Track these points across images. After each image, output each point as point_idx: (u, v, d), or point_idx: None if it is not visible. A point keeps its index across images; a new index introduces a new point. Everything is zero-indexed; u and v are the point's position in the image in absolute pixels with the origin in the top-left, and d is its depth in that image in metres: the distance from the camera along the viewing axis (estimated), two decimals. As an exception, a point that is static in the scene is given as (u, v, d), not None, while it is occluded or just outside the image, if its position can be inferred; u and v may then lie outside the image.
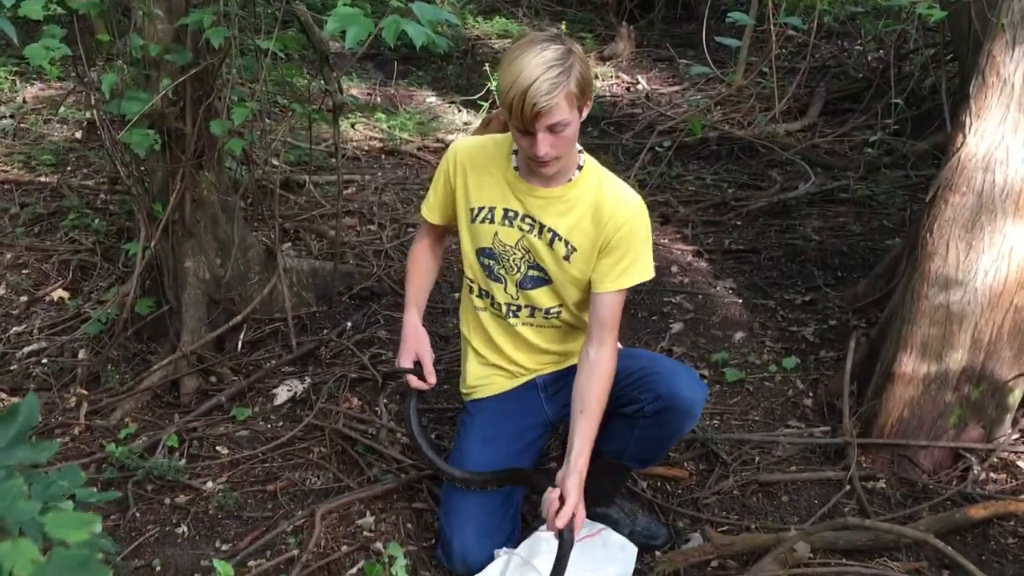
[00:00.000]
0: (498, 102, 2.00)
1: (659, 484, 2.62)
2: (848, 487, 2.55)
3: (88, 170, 4.71)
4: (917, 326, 2.70)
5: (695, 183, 5.03)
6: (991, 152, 2.61)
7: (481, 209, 2.20)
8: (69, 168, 4.74)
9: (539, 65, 1.86)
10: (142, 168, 3.07)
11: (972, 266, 2.64)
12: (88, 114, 5.58)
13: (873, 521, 2.30)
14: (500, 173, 2.18)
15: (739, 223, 4.47)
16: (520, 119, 1.90)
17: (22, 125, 5.32)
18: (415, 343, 2.29)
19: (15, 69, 6.07)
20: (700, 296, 3.75)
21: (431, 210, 2.31)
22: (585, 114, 2.02)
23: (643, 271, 2.16)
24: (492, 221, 2.19)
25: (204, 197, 3.09)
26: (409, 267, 2.41)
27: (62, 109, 5.71)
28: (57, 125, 5.56)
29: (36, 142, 5.10)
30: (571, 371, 2.25)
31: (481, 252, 2.24)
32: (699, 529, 2.39)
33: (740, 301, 3.70)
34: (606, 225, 2.11)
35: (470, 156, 2.21)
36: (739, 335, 3.45)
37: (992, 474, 2.66)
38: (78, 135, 5.41)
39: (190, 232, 3.10)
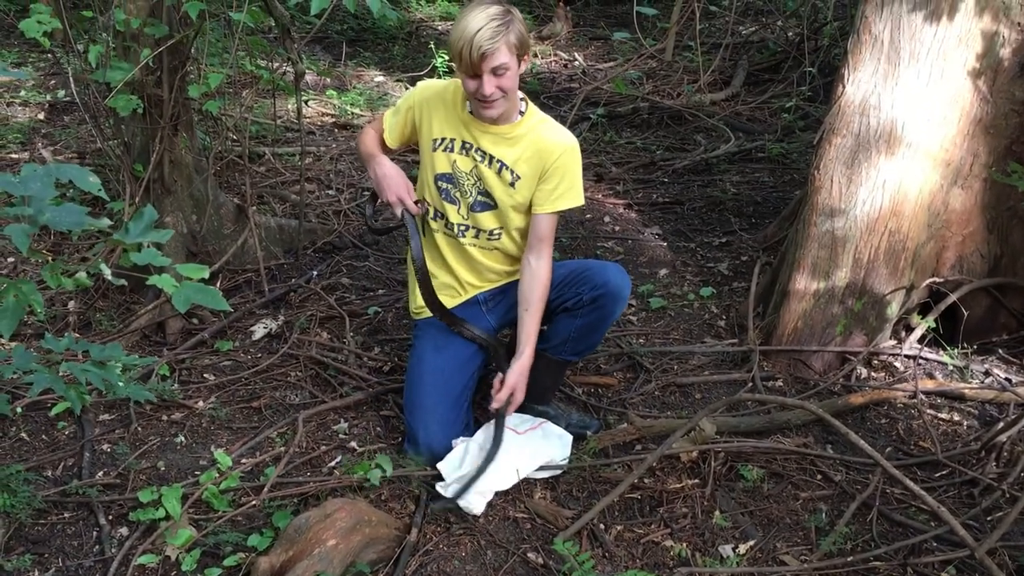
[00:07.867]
0: (449, 55, 2.40)
1: (592, 390, 3.04)
2: (750, 384, 3.00)
3: (57, 146, 4.98)
4: (808, 249, 3.15)
5: (627, 147, 5.47)
6: (866, 99, 3.07)
7: (443, 139, 2.60)
8: (38, 145, 5.01)
9: (483, 18, 2.28)
10: (123, 132, 3.39)
11: (852, 197, 3.10)
12: (49, 96, 5.87)
13: (763, 395, 2.75)
14: (456, 113, 2.58)
15: (666, 180, 4.92)
16: (469, 63, 2.30)
17: (-15, 108, 5.56)
18: (400, 180, 2.57)
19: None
20: (630, 241, 4.19)
21: (391, 134, 2.68)
22: (523, 68, 2.44)
23: (575, 198, 2.59)
24: (452, 150, 2.59)
25: (180, 158, 3.43)
26: (362, 139, 2.71)
27: (23, 92, 5.97)
28: (19, 107, 5.80)
29: (2, 123, 5.34)
30: (508, 287, 2.70)
31: (440, 177, 2.62)
32: (625, 418, 2.82)
33: (665, 244, 4.15)
34: (546, 157, 2.53)
35: (433, 94, 2.60)
36: (663, 271, 3.89)
37: (873, 373, 3.13)
38: (41, 116, 5.66)
39: (168, 190, 3.44)
